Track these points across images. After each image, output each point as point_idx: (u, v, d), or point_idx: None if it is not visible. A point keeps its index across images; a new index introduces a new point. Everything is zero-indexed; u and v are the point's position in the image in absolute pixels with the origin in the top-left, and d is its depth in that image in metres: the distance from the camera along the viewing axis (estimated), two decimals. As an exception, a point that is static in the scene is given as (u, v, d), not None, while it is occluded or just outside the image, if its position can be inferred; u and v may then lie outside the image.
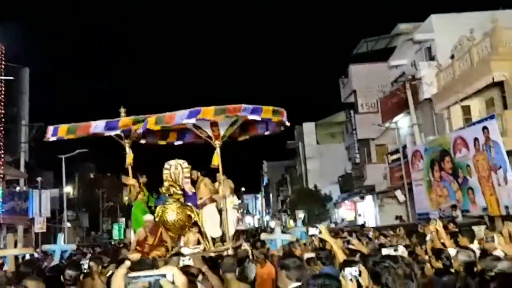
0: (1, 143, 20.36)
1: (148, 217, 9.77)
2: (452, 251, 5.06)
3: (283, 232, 12.30)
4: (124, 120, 10.34)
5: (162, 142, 11.81)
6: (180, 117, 9.14)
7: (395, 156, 25.50)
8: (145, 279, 1.49)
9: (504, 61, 17.74)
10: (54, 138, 10.53)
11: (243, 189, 74.15)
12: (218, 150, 9.73)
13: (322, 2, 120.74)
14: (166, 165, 10.48)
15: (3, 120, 20.54)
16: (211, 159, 9.85)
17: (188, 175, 10.48)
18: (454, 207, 16.79)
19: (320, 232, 5.17)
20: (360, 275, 2.69)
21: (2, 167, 20.36)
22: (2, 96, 20.65)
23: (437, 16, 23.16)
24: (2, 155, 20.35)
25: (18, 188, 23.98)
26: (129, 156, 10.78)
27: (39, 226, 21.32)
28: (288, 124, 10.25)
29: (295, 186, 45.15)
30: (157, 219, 9.93)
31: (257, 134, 11.30)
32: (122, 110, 10.70)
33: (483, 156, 15.58)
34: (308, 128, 41.90)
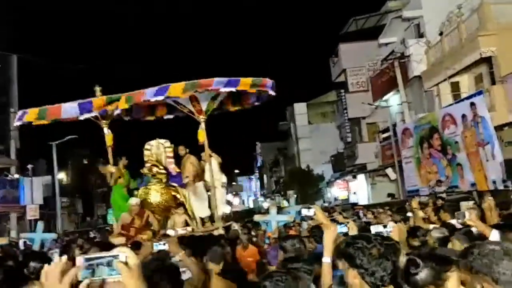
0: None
1: (133, 200, 9.45)
2: (432, 227, 5.15)
3: (278, 213, 12.19)
4: (97, 101, 9.84)
5: (150, 118, 11.38)
6: (149, 94, 8.82)
7: (386, 135, 25.63)
8: (98, 260, 1.51)
9: (491, 36, 17.76)
10: (20, 123, 10.15)
11: (236, 171, 74.53)
12: (202, 126, 9.48)
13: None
14: (146, 146, 10.15)
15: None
16: (191, 136, 9.70)
17: (171, 154, 10.16)
18: (439, 182, 16.99)
19: (315, 214, 5.12)
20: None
21: (-7, 156, 20.37)
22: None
23: (425, -7, 23.05)
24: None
25: (9, 176, 23.96)
26: (108, 138, 10.33)
27: (31, 214, 21.37)
28: (273, 93, 9.79)
29: (288, 167, 45.34)
30: (139, 201, 9.47)
31: (250, 104, 10.87)
32: (98, 89, 10.25)
33: (471, 132, 15.69)
34: (300, 108, 41.90)
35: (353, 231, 3.69)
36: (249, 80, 9.09)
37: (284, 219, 9.92)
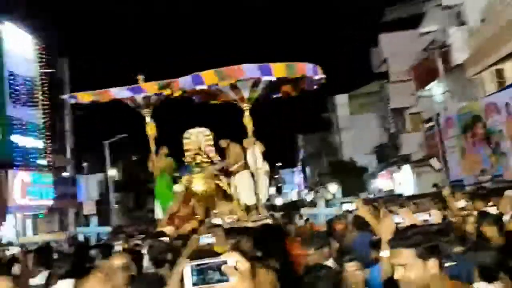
0: (49, 133, 21.68)
1: (178, 187, 9.51)
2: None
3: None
4: (148, 85, 10.08)
5: (214, 101, 11.08)
6: (250, 72, 8.68)
7: (429, 124, 25.47)
8: (207, 266, 1.50)
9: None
10: (73, 101, 10.75)
11: (278, 163, 74.98)
12: (247, 113, 9.37)
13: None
14: (186, 134, 9.95)
15: (49, 111, 21.82)
16: (237, 123, 9.56)
17: (211, 142, 9.97)
18: (483, 171, 16.95)
19: (356, 208, 5.30)
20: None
21: (51, 155, 21.72)
22: (46, 88, 21.91)
23: (465, -21, 22.70)
24: (51, 144, 21.68)
25: (66, 174, 25.45)
26: (151, 127, 10.44)
27: (88, 209, 22.70)
28: (318, 77, 9.45)
29: (330, 158, 45.44)
30: (184, 190, 9.57)
31: (296, 91, 10.49)
32: (140, 77, 10.37)
33: (514, 121, 15.59)
34: (341, 99, 41.87)
35: (438, 219, 3.93)
36: (282, 65, 8.84)
37: (332, 212, 9.98)
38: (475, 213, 5.61)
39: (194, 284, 1.49)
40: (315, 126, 53.26)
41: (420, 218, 5.07)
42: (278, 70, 8.72)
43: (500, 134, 16.52)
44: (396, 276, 2.30)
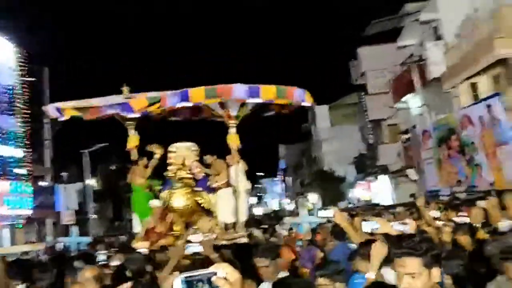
0: (29, 142, 21.52)
1: (155, 202, 9.26)
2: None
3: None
4: (138, 102, 9.50)
5: (175, 118, 11.10)
6: (239, 92, 8.56)
7: (406, 136, 26.00)
8: (197, 277, 1.53)
9: (507, 38, 18.06)
10: (59, 116, 10.08)
11: (260, 173, 75.23)
12: (233, 131, 9.22)
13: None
14: (171, 148, 9.65)
15: (29, 120, 21.68)
16: (226, 140, 9.35)
17: (197, 158, 9.69)
18: (458, 182, 17.43)
19: (334, 216, 5.32)
20: None
21: (31, 165, 21.53)
22: (27, 96, 21.79)
23: (442, -5, 23.39)
24: (30, 153, 21.50)
25: (45, 183, 25.22)
26: (132, 139, 10.14)
27: (67, 219, 22.53)
28: (307, 104, 9.38)
29: (311, 169, 45.86)
30: (163, 205, 9.28)
31: (282, 111, 10.42)
32: (125, 88, 10.16)
33: (488, 133, 16.08)
34: (322, 110, 42.37)
35: (413, 229, 4.01)
36: (272, 88, 8.74)
37: (315, 220, 9.82)
38: (450, 223, 5.88)
39: None
40: (297, 136, 53.81)
41: (395, 227, 5.32)
42: (267, 92, 8.67)
43: (474, 146, 17.00)
44: (403, 286, 2.28)
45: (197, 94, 8.57)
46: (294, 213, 28.97)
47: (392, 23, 29.26)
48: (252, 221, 10.50)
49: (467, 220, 6.54)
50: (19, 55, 22.16)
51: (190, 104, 8.90)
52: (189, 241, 7.23)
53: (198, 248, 5.02)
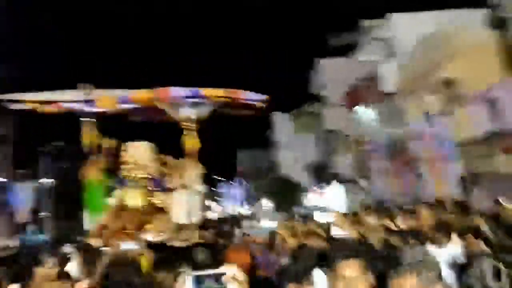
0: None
1: (110, 201, 9.35)
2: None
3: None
4: (105, 99, 9.66)
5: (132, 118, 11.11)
6: (177, 94, 8.89)
7: (360, 147, 27.12)
8: (207, 277, 1.66)
9: (455, 61, 19.30)
10: (22, 107, 10.02)
11: (218, 178, 75.45)
12: (190, 133, 9.46)
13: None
14: (126, 147, 9.73)
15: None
16: (181, 142, 9.56)
17: (151, 158, 9.74)
18: (404, 193, 18.57)
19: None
20: None
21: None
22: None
23: (398, 15, 24.62)
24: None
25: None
26: (93, 137, 10.08)
27: (23, 217, 22.36)
28: (257, 103, 9.80)
29: (269, 175, 46.64)
30: (117, 204, 9.40)
31: (242, 113, 10.75)
32: (84, 85, 9.96)
33: (433, 148, 17.23)
34: (281, 118, 43.31)
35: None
36: (214, 91, 9.11)
37: (274, 225, 10.08)
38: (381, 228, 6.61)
39: None
40: (256, 142, 54.50)
41: (335, 232, 6.01)
42: (209, 92, 9.07)
43: (420, 159, 18.14)
44: None
45: (138, 97, 9.01)
46: (251, 218, 29.59)
47: (350, 38, 30.49)
48: (207, 224, 10.67)
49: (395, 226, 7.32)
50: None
51: (131, 106, 9.31)
52: (142, 239, 7.54)
53: (133, 246, 5.26)
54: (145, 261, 5.93)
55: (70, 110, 10.16)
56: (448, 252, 5.14)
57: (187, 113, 9.46)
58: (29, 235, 12.61)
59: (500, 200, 12.65)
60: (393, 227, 7.49)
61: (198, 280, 1.64)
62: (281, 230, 5.33)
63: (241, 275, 1.67)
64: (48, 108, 9.98)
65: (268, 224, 10.38)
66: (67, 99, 9.94)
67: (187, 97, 9.00)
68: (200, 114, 9.64)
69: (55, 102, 9.96)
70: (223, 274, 1.65)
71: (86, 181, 10.03)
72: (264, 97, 9.94)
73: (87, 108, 9.88)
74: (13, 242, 12.85)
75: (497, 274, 2.33)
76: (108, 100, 9.75)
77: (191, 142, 9.51)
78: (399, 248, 5.91)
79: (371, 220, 7.58)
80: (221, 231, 11.40)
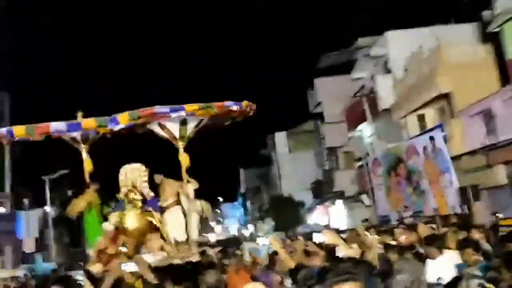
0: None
1: (106, 225, 9.47)
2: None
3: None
4: (88, 121, 9.87)
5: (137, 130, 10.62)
6: (161, 111, 8.80)
7: (360, 163, 27.40)
8: None
9: (448, 75, 19.72)
10: (10, 137, 10.04)
11: (220, 198, 75.61)
12: (181, 151, 9.53)
13: (290, 17, 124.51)
14: (121, 170, 9.91)
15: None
16: (175, 161, 9.58)
17: (146, 178, 9.92)
18: (405, 207, 18.77)
19: (272, 244, 5.96)
20: None
21: (-10, 192, 21.49)
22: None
23: (392, 33, 25.07)
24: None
25: (4, 210, 25.03)
26: (88, 163, 10.32)
27: (29, 246, 22.49)
28: (238, 108, 9.69)
29: (270, 194, 46.80)
30: (114, 227, 9.51)
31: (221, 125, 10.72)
32: (79, 114, 10.23)
33: (431, 162, 17.50)
34: (280, 137, 43.68)
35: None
36: (195, 106, 9.12)
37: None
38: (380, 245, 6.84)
39: None
40: (257, 161, 54.73)
41: (339, 253, 6.20)
42: (190, 107, 9.08)
43: (420, 174, 18.39)
44: None
45: (124, 118, 9.11)
46: (252, 238, 29.69)
47: (345, 56, 31.00)
48: (209, 244, 10.74)
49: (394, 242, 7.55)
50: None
51: (121, 127, 9.37)
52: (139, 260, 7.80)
53: (134, 268, 5.32)
54: (140, 284, 6.15)
55: (58, 135, 10.25)
56: (440, 266, 5.35)
57: (176, 131, 9.58)
58: (36, 264, 12.76)
59: (497, 214, 12.95)
60: (391, 242, 7.73)
61: None
62: (279, 250, 5.41)
63: None
64: (35, 136, 10.06)
65: (268, 243, 10.30)
66: (54, 124, 9.99)
67: (172, 112, 9.05)
68: (189, 130, 9.69)
69: (41, 128, 10.01)
70: None
71: (84, 209, 10.10)
72: (246, 103, 9.81)
73: (74, 133, 10.07)
74: (21, 272, 12.99)
75: None
76: (93, 122, 9.95)
77: (184, 159, 9.59)
78: (396, 264, 6.16)
79: (370, 236, 7.79)
80: (223, 251, 11.55)
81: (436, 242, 5.47)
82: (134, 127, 10.05)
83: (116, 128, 9.37)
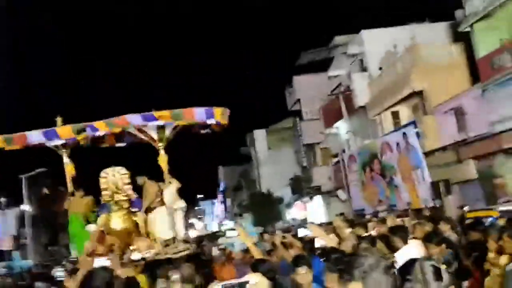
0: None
1: (92, 227, 9.66)
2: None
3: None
4: (64, 129, 10.06)
5: (104, 145, 11.53)
6: (134, 120, 9.34)
7: (336, 159, 27.85)
8: (233, 286, 1.82)
9: (422, 73, 20.25)
10: None
11: (200, 195, 75.68)
12: (161, 152, 9.89)
13: (270, 16, 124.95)
14: (102, 174, 10.11)
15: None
16: (155, 162, 9.94)
17: (128, 181, 10.16)
18: (380, 202, 19.28)
19: (238, 234, 6.24)
20: None
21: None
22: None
23: (368, 31, 25.55)
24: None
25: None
26: (70, 167, 10.48)
27: (6, 245, 22.41)
28: (215, 121, 10.02)
29: (249, 190, 47.09)
30: (101, 228, 9.69)
31: (197, 132, 11.09)
32: (59, 119, 10.41)
33: (404, 158, 18.00)
34: (259, 134, 44.00)
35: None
36: (219, 110, 9.55)
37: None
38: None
39: None
40: (236, 159, 55.01)
41: (317, 243, 6.46)
42: (162, 116, 9.45)
43: (393, 169, 18.89)
44: None
45: (101, 126, 9.54)
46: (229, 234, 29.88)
47: (323, 54, 31.40)
48: (190, 240, 11.02)
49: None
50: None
51: (100, 133, 9.81)
52: (132, 260, 8.03)
53: (106, 262, 5.51)
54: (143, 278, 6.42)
55: (35, 145, 10.44)
56: (403, 255, 5.65)
57: (154, 134, 9.93)
58: (14, 262, 12.85)
59: (463, 207, 13.45)
60: (363, 234, 8.06)
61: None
62: (248, 244, 5.58)
63: (263, 283, 1.82)
64: (14, 146, 10.24)
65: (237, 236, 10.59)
66: (30, 134, 10.19)
67: (143, 121, 9.43)
68: (167, 133, 10.03)
69: (17, 138, 10.19)
70: (247, 282, 1.81)
71: (70, 212, 10.36)
72: (218, 111, 9.97)
73: (51, 142, 10.24)
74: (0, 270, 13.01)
75: (438, 275, 2.41)
76: (68, 129, 10.12)
77: (164, 161, 9.94)
78: (366, 253, 6.48)
79: (345, 229, 8.11)
80: (202, 246, 11.78)
81: (399, 233, 5.75)
82: (112, 133, 10.32)
83: (95, 134, 9.72)
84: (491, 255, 4.53)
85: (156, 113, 9.45)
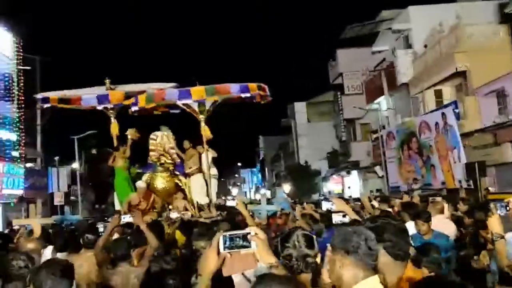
0: (22, 127, 22.90)
1: (141, 183, 10.23)
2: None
3: (268, 203, 13.71)
4: (116, 94, 10.87)
5: (157, 112, 12.08)
6: (171, 96, 10.10)
7: (376, 135, 28.06)
8: (235, 236, 1.92)
9: (465, 53, 20.10)
10: (48, 105, 11.22)
11: (239, 164, 77.03)
12: (202, 124, 10.52)
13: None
14: (152, 136, 10.76)
15: (23, 106, 23.01)
16: (198, 132, 10.61)
17: (173, 145, 10.85)
18: (415, 180, 19.55)
19: (237, 204, 6.22)
20: None
21: (23, 148, 22.89)
22: (22, 84, 23.13)
23: (415, 7, 25.29)
24: (23, 137, 22.86)
25: (35, 165, 26.68)
26: (115, 127, 11.17)
27: (58, 200, 24.18)
28: (270, 99, 10.91)
29: (287, 162, 47.77)
30: (145, 186, 10.31)
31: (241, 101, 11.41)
32: (107, 81, 11.15)
33: (442, 138, 18.18)
34: (300, 107, 44.27)
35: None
36: (254, 85, 10.26)
37: (273, 208, 10.96)
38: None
39: (225, 248, 1.92)
40: (276, 130, 55.55)
41: (335, 219, 7.02)
42: (197, 93, 10.14)
43: (430, 148, 19.09)
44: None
45: (142, 99, 10.32)
46: (270, 203, 30.79)
47: (368, 28, 31.14)
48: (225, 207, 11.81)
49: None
50: (16, 44, 23.37)
51: (138, 107, 10.53)
52: (170, 218, 8.68)
53: (130, 219, 6.07)
54: (179, 234, 7.22)
55: (87, 107, 11.36)
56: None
57: (196, 107, 10.59)
58: (65, 215, 14.10)
59: (489, 188, 13.67)
60: (390, 210, 8.62)
61: (229, 239, 1.94)
62: (242, 211, 6.01)
63: (261, 234, 1.96)
64: (68, 105, 11.24)
65: (269, 207, 11.02)
66: (85, 96, 11.12)
67: (179, 99, 10.12)
68: (208, 106, 10.67)
69: (73, 99, 11.15)
70: (249, 233, 1.94)
71: (115, 167, 11.08)
72: (253, 86, 10.51)
73: (102, 105, 11.10)
74: (51, 220, 14.11)
75: (310, 242, 2.61)
76: (120, 95, 11.04)
77: (205, 131, 10.61)
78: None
79: (373, 205, 8.69)
80: (233, 214, 12.49)
81: (408, 210, 6.25)
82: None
83: (136, 108, 10.50)
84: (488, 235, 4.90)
85: (192, 89, 10.16)
